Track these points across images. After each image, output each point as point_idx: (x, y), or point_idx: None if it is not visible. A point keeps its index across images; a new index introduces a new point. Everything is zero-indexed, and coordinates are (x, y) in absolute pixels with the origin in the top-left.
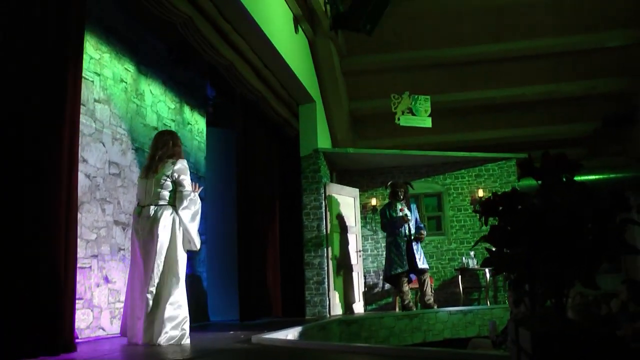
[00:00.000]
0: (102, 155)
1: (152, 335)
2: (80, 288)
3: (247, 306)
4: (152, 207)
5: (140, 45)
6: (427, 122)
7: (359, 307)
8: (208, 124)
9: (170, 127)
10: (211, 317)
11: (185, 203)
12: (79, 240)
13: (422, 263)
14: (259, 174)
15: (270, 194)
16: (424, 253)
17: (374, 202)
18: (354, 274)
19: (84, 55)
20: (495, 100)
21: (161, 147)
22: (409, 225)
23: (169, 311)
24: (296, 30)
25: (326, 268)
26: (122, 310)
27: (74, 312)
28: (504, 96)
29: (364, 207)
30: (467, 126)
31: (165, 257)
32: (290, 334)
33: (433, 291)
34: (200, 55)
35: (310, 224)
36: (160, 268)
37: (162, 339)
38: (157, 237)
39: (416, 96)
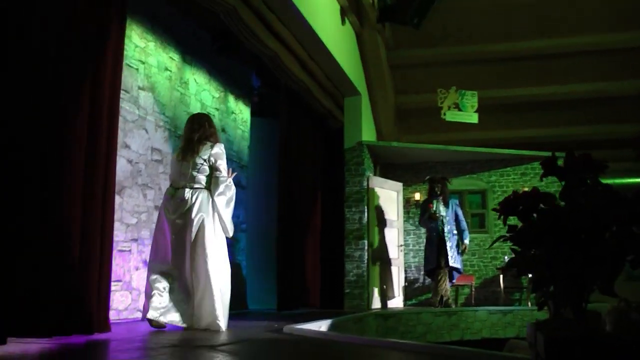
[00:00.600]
0: (144, 142)
1: (189, 320)
2: (119, 270)
3: (285, 296)
4: (187, 190)
5: (185, 35)
6: (474, 118)
7: (398, 302)
8: (252, 114)
9: (214, 115)
10: (250, 306)
11: (220, 189)
12: (119, 224)
13: (453, 261)
14: (302, 164)
15: (312, 185)
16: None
17: (417, 196)
18: (395, 268)
19: (129, 44)
20: (543, 98)
21: (197, 129)
22: (442, 221)
23: (207, 296)
24: (343, 22)
25: (366, 261)
26: None
27: (109, 294)
28: (551, 93)
29: (407, 202)
30: (514, 123)
31: (202, 242)
32: (324, 325)
33: (448, 291)
34: (244, 44)
35: (352, 217)
36: (197, 253)
37: (202, 324)
38: (192, 221)
39: (463, 91)
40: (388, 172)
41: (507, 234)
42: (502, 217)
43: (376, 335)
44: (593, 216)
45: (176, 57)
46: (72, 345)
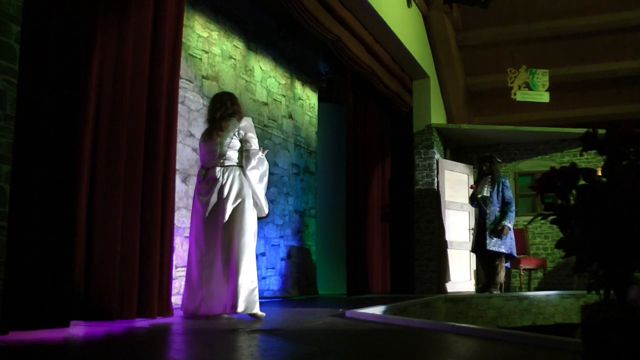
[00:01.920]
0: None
1: (225, 306)
2: (187, 256)
3: (355, 281)
4: (217, 169)
5: (249, 23)
6: (545, 97)
7: (469, 286)
8: (320, 100)
9: (280, 102)
10: (320, 291)
11: (253, 162)
12: (186, 210)
13: (492, 245)
14: (370, 149)
15: (381, 169)
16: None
17: None
18: (465, 252)
19: (192, 35)
20: (618, 74)
21: (219, 107)
22: (485, 203)
23: (241, 279)
24: (409, 5)
25: (437, 245)
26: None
27: (170, 279)
28: (627, 69)
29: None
30: (588, 101)
31: (235, 222)
32: (390, 310)
33: (502, 281)
34: (308, 31)
35: (422, 200)
36: (230, 233)
37: (239, 308)
38: (225, 199)
39: (533, 70)
40: (459, 155)
41: (545, 212)
42: (540, 195)
43: (445, 319)
44: (634, 192)
45: (240, 45)
46: (134, 328)
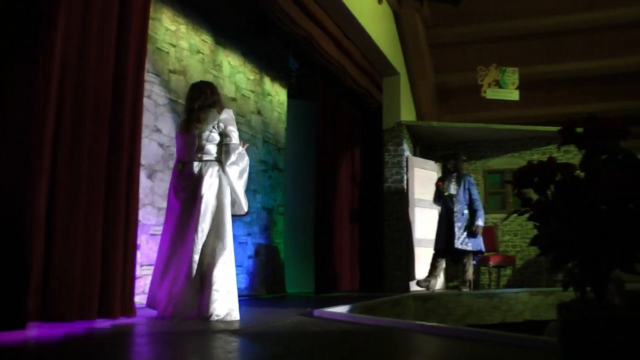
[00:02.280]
0: (176, 125)
1: (198, 309)
2: (152, 255)
3: (323, 279)
4: (195, 164)
5: (218, 17)
6: (515, 95)
7: (439, 284)
8: (290, 96)
9: (249, 97)
10: (288, 289)
11: (233, 157)
12: (151, 207)
13: (460, 243)
14: (339, 146)
15: (351, 167)
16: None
17: None
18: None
19: (160, 27)
20: (587, 73)
21: (198, 97)
22: (451, 201)
23: (215, 281)
24: (380, 1)
25: (406, 243)
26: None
27: (134, 278)
28: (596, 67)
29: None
30: (557, 100)
31: (212, 221)
32: (359, 308)
33: (471, 278)
34: (278, 26)
35: (391, 198)
36: (205, 232)
37: (211, 311)
38: (202, 196)
39: (503, 68)
40: (429, 152)
41: (521, 208)
42: (517, 190)
43: (415, 318)
44: (613, 186)
45: (209, 39)
46: (94, 329)
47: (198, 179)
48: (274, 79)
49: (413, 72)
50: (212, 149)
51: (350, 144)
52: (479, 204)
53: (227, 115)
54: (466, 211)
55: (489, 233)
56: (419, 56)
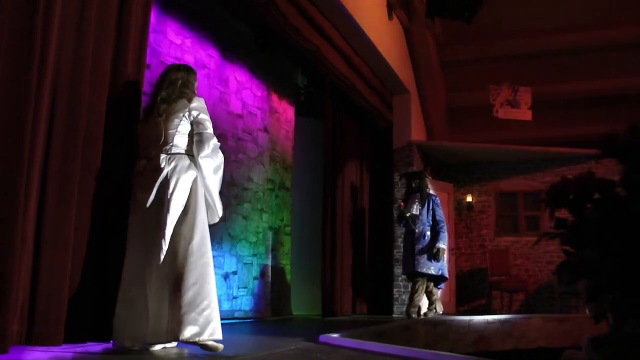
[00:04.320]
0: None
1: (166, 333)
2: None
3: (330, 301)
4: (162, 157)
5: (225, 31)
6: (527, 115)
7: (450, 308)
8: (297, 113)
9: (256, 114)
10: (294, 312)
11: (207, 149)
12: None
13: (421, 267)
14: (348, 165)
15: (360, 187)
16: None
17: (469, 198)
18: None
19: (164, 40)
20: (603, 92)
21: (167, 86)
22: (414, 222)
23: (189, 297)
24: (390, 17)
25: None
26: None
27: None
28: (612, 87)
29: (458, 204)
30: (572, 120)
31: (182, 225)
32: (367, 333)
33: (420, 304)
34: (286, 41)
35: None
36: (180, 240)
37: (182, 336)
38: (170, 197)
39: (516, 87)
40: (439, 173)
41: (554, 230)
42: (550, 209)
43: (425, 343)
44: None
45: (215, 53)
46: (84, 354)
47: (165, 176)
48: (281, 95)
49: (424, 90)
50: (181, 140)
51: (359, 163)
52: (443, 226)
53: (199, 103)
54: (429, 233)
55: (502, 256)
56: (430, 74)
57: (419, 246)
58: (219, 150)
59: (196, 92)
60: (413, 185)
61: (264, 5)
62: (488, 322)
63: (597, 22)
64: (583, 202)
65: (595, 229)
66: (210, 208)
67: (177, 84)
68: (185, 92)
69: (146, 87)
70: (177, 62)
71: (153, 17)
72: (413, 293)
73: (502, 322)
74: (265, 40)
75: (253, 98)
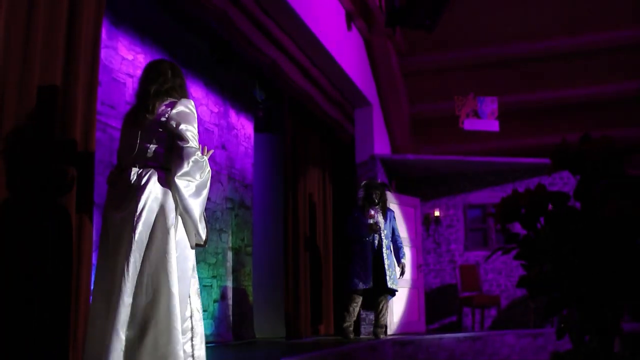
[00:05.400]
0: None
1: None
2: None
3: (295, 323)
4: (134, 170)
5: (179, 46)
6: (494, 126)
7: (419, 326)
8: (257, 129)
9: (212, 131)
10: (258, 335)
11: (185, 167)
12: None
13: (392, 282)
14: (310, 181)
15: (323, 203)
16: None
17: (437, 212)
18: (414, 291)
19: (115, 57)
20: (571, 100)
21: (155, 79)
22: (380, 235)
23: (155, 333)
24: (349, 28)
25: None
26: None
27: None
28: (580, 95)
29: (425, 218)
30: (540, 130)
31: (152, 250)
32: (333, 356)
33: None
34: (242, 54)
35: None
36: (138, 266)
37: None
38: (138, 217)
39: (482, 98)
40: (405, 187)
41: (506, 246)
42: (501, 224)
43: None
44: (618, 219)
45: None
46: None
47: (134, 193)
48: (239, 111)
49: (386, 102)
50: (157, 152)
51: (322, 179)
52: (402, 241)
53: (184, 107)
54: (392, 247)
55: (471, 272)
56: (392, 85)
57: (387, 261)
58: (204, 167)
59: (187, 92)
60: (374, 196)
61: (219, 19)
62: (459, 340)
63: (562, 28)
64: (535, 216)
65: (550, 243)
66: (191, 232)
67: (167, 73)
68: (177, 85)
69: (98, 106)
70: (130, 79)
71: (104, 32)
72: (379, 312)
73: (474, 340)
74: (221, 54)
75: (210, 115)
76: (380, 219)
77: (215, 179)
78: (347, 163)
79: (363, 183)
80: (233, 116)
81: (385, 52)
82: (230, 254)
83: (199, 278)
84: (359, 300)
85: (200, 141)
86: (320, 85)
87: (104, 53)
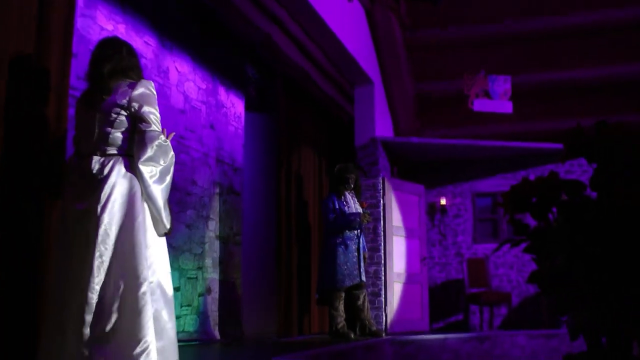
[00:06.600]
0: None
1: None
2: None
3: (286, 320)
4: (95, 159)
5: (163, 16)
6: (507, 107)
7: (422, 325)
8: (247, 108)
9: (200, 109)
10: (247, 331)
11: (149, 151)
12: None
13: (363, 275)
14: (305, 165)
15: (319, 189)
16: None
17: (442, 201)
18: (417, 286)
19: (94, 26)
20: (590, 81)
21: (109, 58)
22: (360, 225)
23: (117, 339)
24: None
25: (383, 278)
26: None
27: None
28: (600, 76)
29: (430, 207)
30: (556, 112)
31: (117, 242)
32: (328, 355)
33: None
34: (233, 27)
35: (365, 226)
36: (105, 260)
37: None
38: (102, 209)
39: (494, 76)
40: (408, 173)
41: (516, 238)
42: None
43: None
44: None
45: (153, 41)
46: None
47: (98, 183)
48: (229, 88)
49: (389, 80)
50: (119, 138)
51: (318, 163)
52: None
53: (145, 89)
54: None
55: (479, 267)
56: (395, 62)
57: (363, 252)
58: (168, 151)
59: (142, 73)
60: (350, 180)
61: None
62: (465, 341)
63: (581, 3)
64: (547, 205)
65: (564, 235)
66: (156, 220)
67: (122, 51)
68: (133, 65)
69: (73, 80)
70: None
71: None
72: (366, 308)
73: (481, 340)
74: (209, 26)
75: (197, 91)
76: (357, 206)
77: (202, 161)
78: (346, 146)
79: (337, 167)
80: (222, 93)
81: (388, 25)
82: (217, 244)
83: (184, 270)
84: (343, 296)
85: (186, 120)
86: (317, 61)
87: (80, 22)
